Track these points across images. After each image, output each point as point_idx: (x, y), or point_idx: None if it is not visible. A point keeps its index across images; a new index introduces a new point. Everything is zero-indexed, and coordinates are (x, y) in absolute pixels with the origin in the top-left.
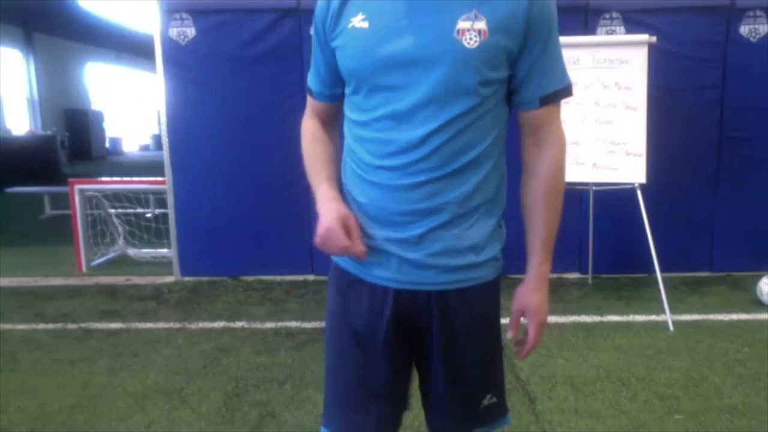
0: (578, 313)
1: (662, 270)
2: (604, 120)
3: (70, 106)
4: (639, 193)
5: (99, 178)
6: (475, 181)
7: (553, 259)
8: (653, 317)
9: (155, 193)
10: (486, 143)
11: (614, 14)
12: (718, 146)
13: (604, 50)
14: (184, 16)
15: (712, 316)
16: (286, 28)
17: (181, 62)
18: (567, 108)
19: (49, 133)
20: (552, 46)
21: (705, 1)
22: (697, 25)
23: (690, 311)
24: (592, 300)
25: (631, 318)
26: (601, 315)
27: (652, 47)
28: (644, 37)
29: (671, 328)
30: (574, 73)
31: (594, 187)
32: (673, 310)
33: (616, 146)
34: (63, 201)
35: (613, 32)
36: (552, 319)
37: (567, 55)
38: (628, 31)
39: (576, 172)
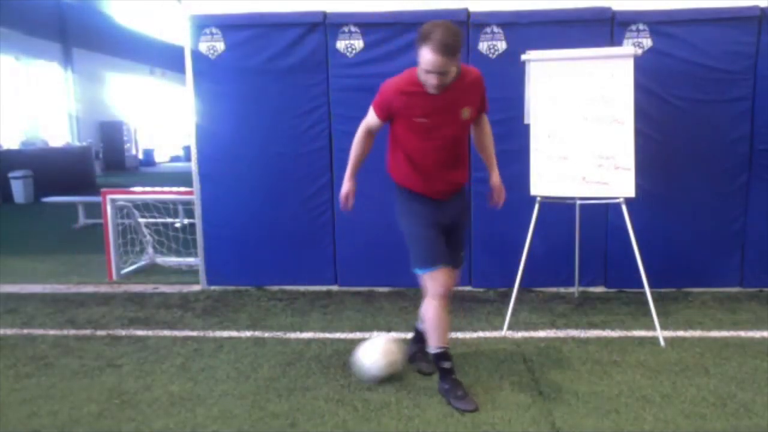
0: (603, 327)
1: (691, 285)
2: (591, 134)
3: (105, 118)
4: (624, 207)
5: (130, 188)
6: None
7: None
8: (680, 333)
9: (184, 203)
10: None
11: (641, 26)
12: (749, 159)
13: (590, 63)
14: (214, 31)
15: (743, 333)
16: (312, 42)
17: (211, 76)
18: (555, 122)
19: (84, 144)
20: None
21: (734, 11)
22: (727, 36)
23: (719, 328)
24: (619, 315)
25: (657, 333)
26: (627, 330)
27: (680, 59)
28: (630, 49)
29: (699, 344)
30: (560, 86)
31: (579, 201)
32: (701, 326)
33: (604, 160)
34: (96, 210)
35: (639, 45)
36: (575, 333)
37: (554, 68)
38: (656, 43)
39: (565, 186)
